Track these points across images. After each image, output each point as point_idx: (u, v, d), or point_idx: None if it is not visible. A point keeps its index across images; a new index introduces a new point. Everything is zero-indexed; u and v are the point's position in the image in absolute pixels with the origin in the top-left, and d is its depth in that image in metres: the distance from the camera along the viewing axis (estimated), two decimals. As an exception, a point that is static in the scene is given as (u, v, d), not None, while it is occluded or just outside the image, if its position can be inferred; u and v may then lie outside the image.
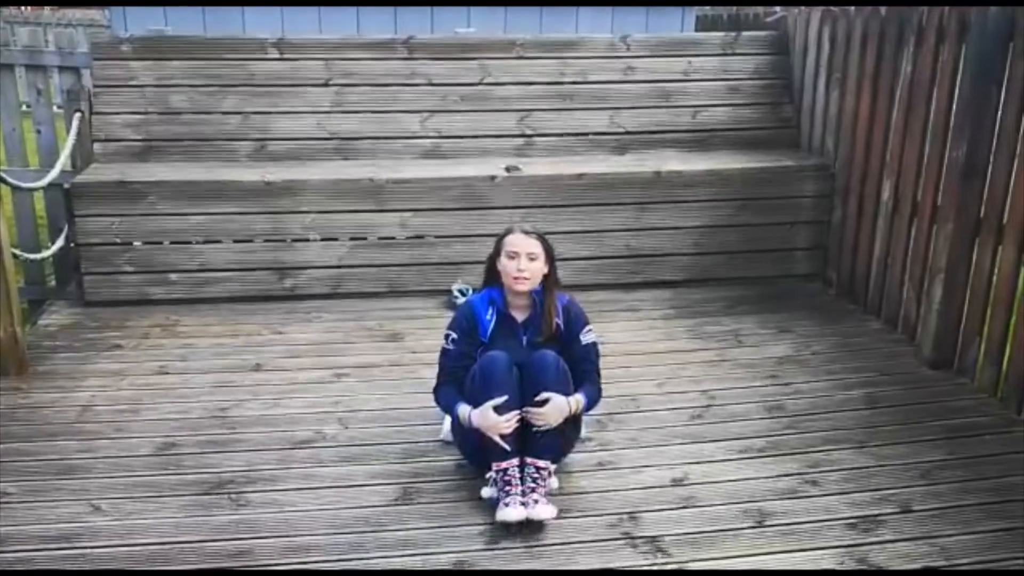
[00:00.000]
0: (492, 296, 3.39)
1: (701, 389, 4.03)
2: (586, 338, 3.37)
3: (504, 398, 3.07)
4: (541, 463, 3.08)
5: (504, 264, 3.31)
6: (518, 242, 3.30)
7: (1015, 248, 3.84)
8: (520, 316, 3.37)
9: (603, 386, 3.40)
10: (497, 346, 3.27)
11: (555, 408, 3.11)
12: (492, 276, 3.42)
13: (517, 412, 3.10)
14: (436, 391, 3.37)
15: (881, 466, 3.39)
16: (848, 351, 4.45)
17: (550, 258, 3.36)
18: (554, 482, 3.18)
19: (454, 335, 3.35)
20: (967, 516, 3.06)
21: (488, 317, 3.36)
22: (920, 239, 4.45)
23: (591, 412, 3.44)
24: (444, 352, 3.38)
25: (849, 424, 3.72)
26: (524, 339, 3.34)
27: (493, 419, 3.06)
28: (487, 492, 3.12)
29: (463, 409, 3.17)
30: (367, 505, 3.14)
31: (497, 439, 3.05)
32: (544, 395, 3.10)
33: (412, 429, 3.66)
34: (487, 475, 3.11)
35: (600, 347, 3.45)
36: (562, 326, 3.35)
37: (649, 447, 3.54)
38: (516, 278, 3.28)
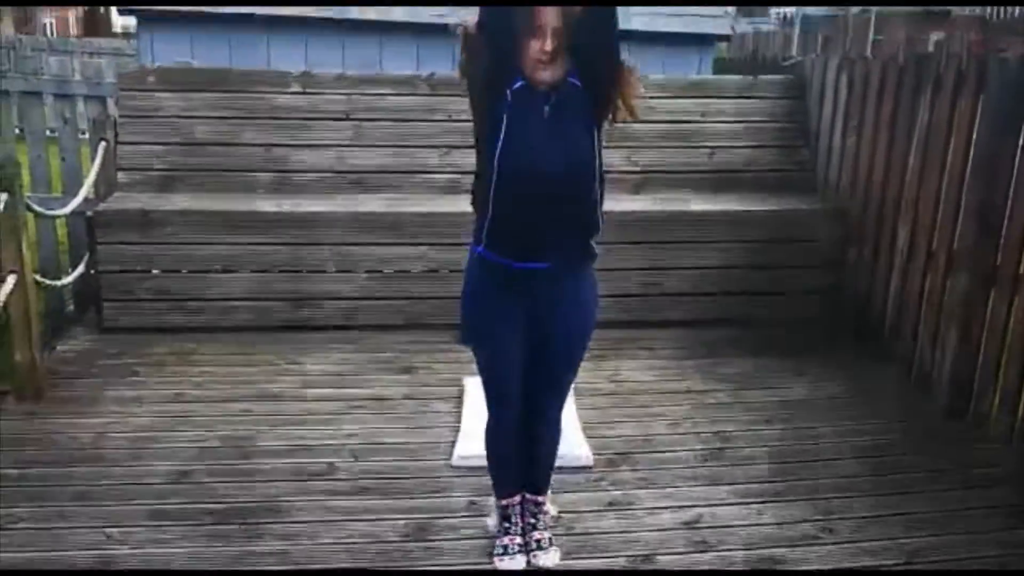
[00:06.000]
0: None
1: (714, 430, 4.03)
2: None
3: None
4: (540, 498, 3.12)
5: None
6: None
7: (1031, 298, 3.84)
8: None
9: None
10: (516, 115, 2.79)
11: None
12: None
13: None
14: None
15: (894, 514, 3.37)
16: (862, 396, 4.45)
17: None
18: (552, 509, 3.22)
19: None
20: (980, 566, 3.05)
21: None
22: (935, 286, 4.45)
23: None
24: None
25: (863, 471, 3.71)
26: (546, 109, 2.83)
27: None
28: (492, 523, 3.16)
29: None
30: (381, 540, 3.14)
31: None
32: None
33: (425, 463, 3.67)
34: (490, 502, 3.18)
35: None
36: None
37: (661, 488, 3.54)
38: (539, 60, 2.69)
